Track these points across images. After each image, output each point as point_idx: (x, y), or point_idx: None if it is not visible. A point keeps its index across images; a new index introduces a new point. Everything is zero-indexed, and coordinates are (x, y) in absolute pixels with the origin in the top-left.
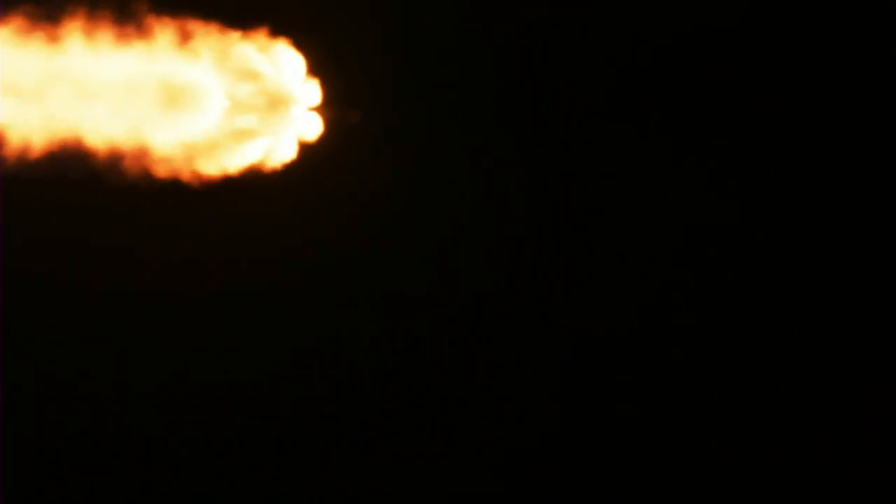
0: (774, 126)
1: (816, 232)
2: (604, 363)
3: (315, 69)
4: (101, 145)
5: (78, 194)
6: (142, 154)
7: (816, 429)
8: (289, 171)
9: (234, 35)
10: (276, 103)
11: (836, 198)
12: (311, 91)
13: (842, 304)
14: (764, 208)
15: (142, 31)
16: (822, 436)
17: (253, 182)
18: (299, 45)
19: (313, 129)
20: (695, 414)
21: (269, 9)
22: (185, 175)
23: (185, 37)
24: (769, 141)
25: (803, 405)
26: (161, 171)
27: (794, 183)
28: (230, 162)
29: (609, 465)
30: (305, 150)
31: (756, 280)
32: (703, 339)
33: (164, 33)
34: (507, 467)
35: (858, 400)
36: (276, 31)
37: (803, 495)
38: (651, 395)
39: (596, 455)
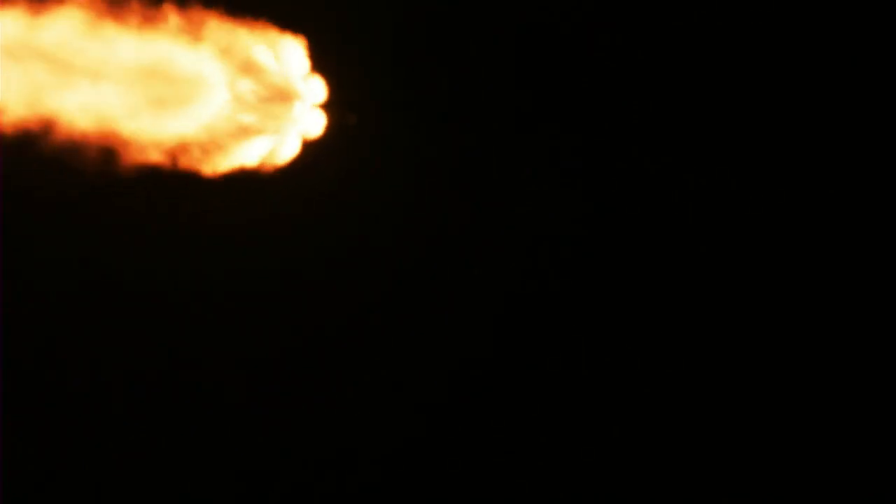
0: (767, 125)
1: (814, 231)
2: (605, 364)
3: (319, 65)
4: (100, 135)
5: (73, 186)
6: (139, 145)
7: (808, 427)
8: (291, 169)
9: (239, 28)
10: (279, 99)
11: (833, 197)
12: (315, 87)
13: (838, 303)
14: (761, 208)
15: (145, 19)
16: (817, 435)
17: (254, 179)
18: (304, 39)
19: (316, 126)
20: (679, 412)
21: (274, 2)
22: (185, 169)
23: (188, 27)
24: (763, 140)
25: (800, 404)
26: (159, 164)
27: (789, 182)
28: (231, 158)
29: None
30: (308, 147)
31: (755, 280)
32: (697, 338)
33: (167, 23)
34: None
35: (852, 398)
36: (281, 24)
37: (797, 495)
38: (651, 394)
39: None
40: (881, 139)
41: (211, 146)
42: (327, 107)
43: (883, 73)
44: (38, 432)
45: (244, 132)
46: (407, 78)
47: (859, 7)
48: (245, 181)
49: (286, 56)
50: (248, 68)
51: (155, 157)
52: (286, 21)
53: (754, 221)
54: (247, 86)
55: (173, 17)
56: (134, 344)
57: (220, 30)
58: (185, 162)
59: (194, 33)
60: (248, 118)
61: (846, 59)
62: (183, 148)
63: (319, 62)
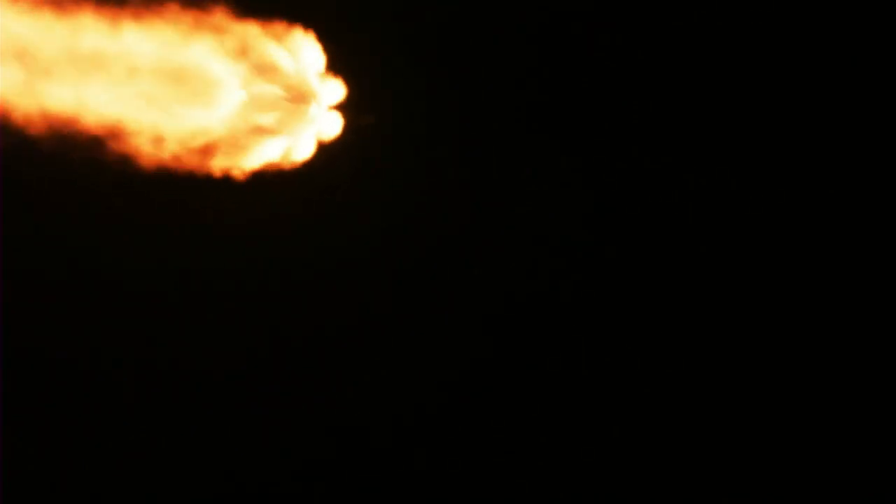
0: (767, 125)
1: (814, 231)
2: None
3: (336, 66)
4: (116, 134)
5: (87, 183)
6: (156, 145)
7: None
8: (306, 169)
9: (256, 29)
10: (295, 100)
11: (832, 197)
12: (332, 88)
13: (837, 302)
14: (761, 208)
15: (163, 19)
16: (817, 435)
17: (270, 178)
18: (321, 41)
19: (333, 127)
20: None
21: (291, 3)
22: (202, 168)
23: (205, 28)
24: (763, 140)
25: (800, 403)
26: (175, 163)
27: (788, 182)
28: (247, 157)
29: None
30: (324, 147)
31: (755, 279)
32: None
33: (184, 23)
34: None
35: (852, 397)
36: (298, 25)
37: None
38: (649, 394)
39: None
40: (881, 139)
41: (227, 146)
42: (343, 107)
43: (883, 73)
44: (37, 432)
45: (261, 132)
46: (423, 79)
47: (859, 7)
48: (261, 181)
49: (303, 57)
50: (266, 69)
51: (171, 156)
52: (303, 22)
53: (754, 221)
54: (264, 86)
55: (190, 18)
56: (153, 342)
57: (238, 30)
58: (202, 161)
59: (211, 34)
60: (264, 118)
61: (846, 60)
62: (199, 147)
63: (336, 63)
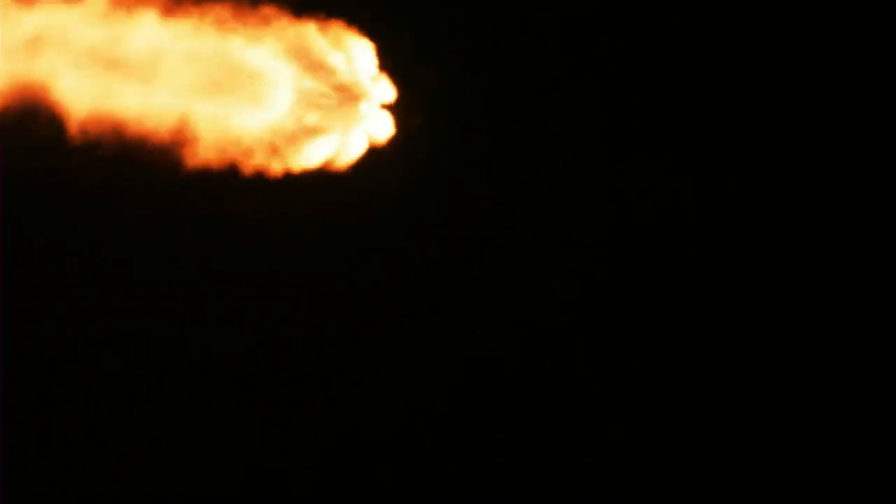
0: (766, 125)
1: (814, 231)
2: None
3: (387, 66)
4: (167, 133)
5: (140, 184)
6: (206, 144)
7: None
8: (356, 169)
9: (307, 27)
10: (345, 99)
11: (832, 197)
12: (383, 88)
13: (837, 302)
14: (761, 208)
15: (215, 17)
16: (818, 435)
17: (319, 178)
18: (373, 40)
19: (382, 127)
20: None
21: (343, 2)
22: (251, 167)
23: (257, 26)
24: (762, 140)
25: (800, 404)
26: (225, 162)
27: (788, 182)
28: (296, 157)
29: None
30: (373, 148)
31: (755, 279)
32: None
33: (236, 21)
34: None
35: (852, 397)
36: (350, 24)
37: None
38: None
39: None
40: (881, 139)
41: (277, 145)
42: (394, 108)
43: (883, 73)
44: (39, 431)
45: (310, 132)
46: (473, 80)
47: (859, 7)
48: (310, 181)
49: (354, 56)
50: (316, 68)
51: (221, 155)
52: (355, 21)
53: (754, 221)
54: (314, 85)
55: (242, 16)
56: (211, 337)
57: (289, 29)
58: (251, 160)
59: (263, 32)
60: (314, 118)
61: (846, 60)
62: (249, 147)
63: (387, 63)
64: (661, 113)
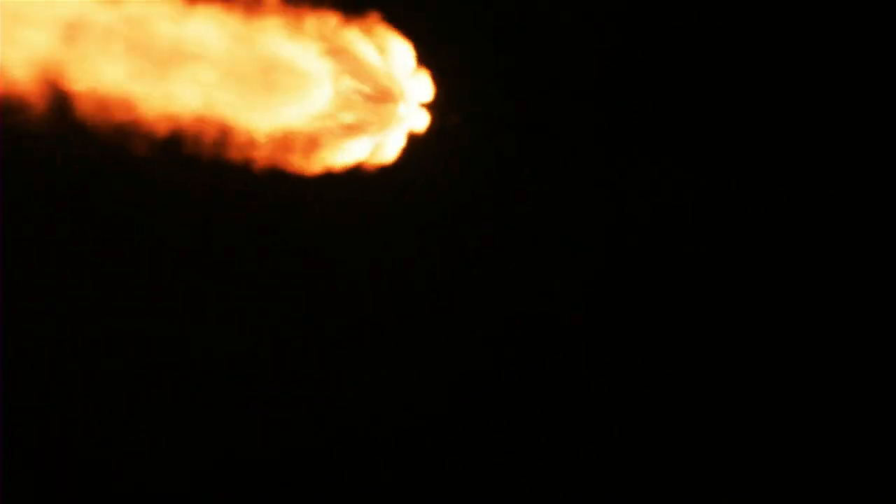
0: (766, 125)
1: (814, 231)
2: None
3: (425, 64)
4: (203, 130)
5: (175, 180)
6: (242, 141)
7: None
8: (393, 168)
9: (345, 25)
10: (383, 98)
11: (833, 197)
12: (421, 86)
13: (838, 302)
14: (761, 208)
15: (252, 14)
16: (818, 435)
17: (357, 177)
18: (410, 38)
19: (420, 126)
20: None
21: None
22: (288, 166)
23: (295, 23)
24: (762, 140)
25: (800, 404)
26: (262, 160)
27: (788, 182)
28: (333, 156)
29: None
30: (411, 146)
31: (755, 280)
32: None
33: (273, 18)
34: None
35: (852, 398)
36: (388, 22)
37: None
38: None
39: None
40: (881, 139)
41: (314, 144)
42: (432, 106)
43: (883, 73)
44: (38, 431)
45: (347, 130)
46: (511, 79)
47: (859, 7)
48: (347, 179)
49: (392, 54)
50: (354, 66)
51: (258, 153)
52: (393, 19)
53: (754, 221)
54: (351, 83)
55: (280, 13)
56: (240, 338)
57: (327, 26)
58: (288, 159)
59: (301, 29)
60: (351, 116)
61: (846, 59)
62: (286, 144)
63: (425, 61)
64: (661, 113)
